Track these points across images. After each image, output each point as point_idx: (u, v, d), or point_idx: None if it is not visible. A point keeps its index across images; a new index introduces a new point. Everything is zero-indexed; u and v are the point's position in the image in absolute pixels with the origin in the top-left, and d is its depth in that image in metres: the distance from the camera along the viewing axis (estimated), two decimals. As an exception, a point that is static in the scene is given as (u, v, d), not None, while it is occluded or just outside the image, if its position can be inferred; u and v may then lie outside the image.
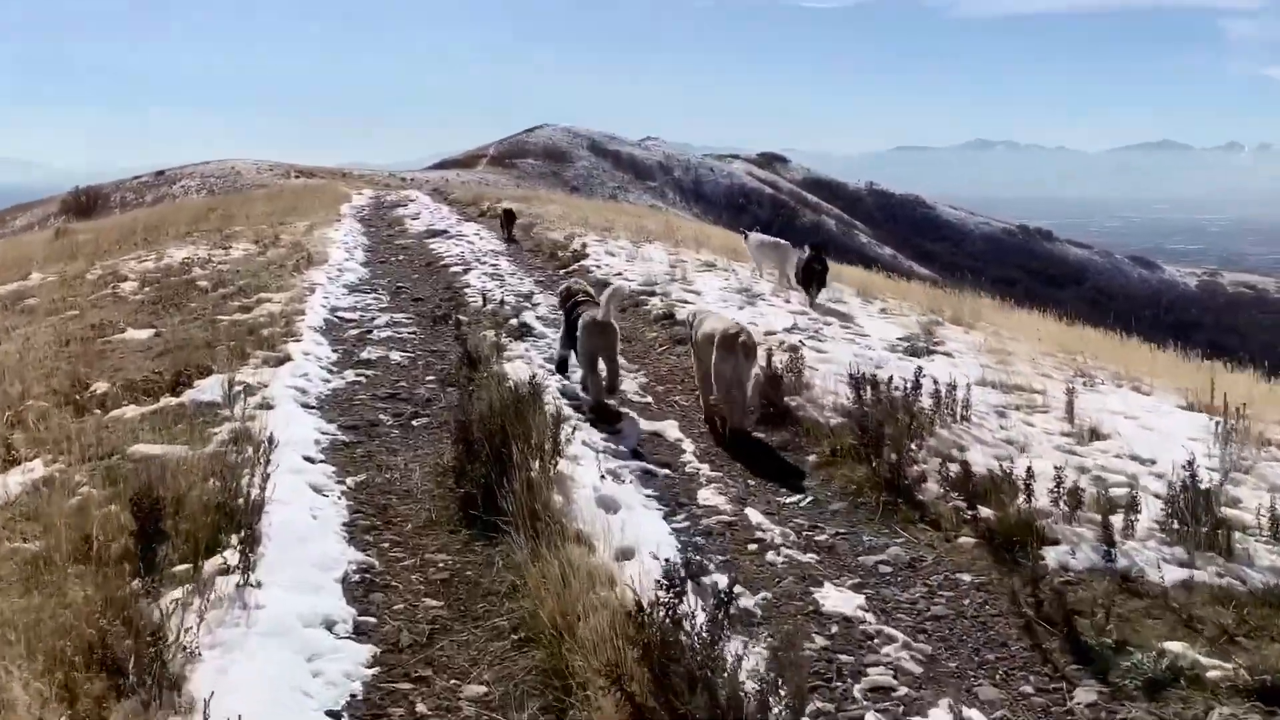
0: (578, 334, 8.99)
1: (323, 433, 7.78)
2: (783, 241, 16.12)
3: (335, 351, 10.64)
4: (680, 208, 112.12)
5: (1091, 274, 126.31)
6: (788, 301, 14.02)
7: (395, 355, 10.61)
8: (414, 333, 11.87)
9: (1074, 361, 11.23)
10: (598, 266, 16.40)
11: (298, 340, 10.62)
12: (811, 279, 14.02)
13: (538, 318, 12.45)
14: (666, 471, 7.29)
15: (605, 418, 8.55)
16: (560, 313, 9.97)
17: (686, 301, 13.07)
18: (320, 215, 25.60)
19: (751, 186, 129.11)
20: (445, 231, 21.99)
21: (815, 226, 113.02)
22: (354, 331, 11.75)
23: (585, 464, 6.87)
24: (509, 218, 22.00)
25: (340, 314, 12.65)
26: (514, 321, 12.08)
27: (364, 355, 10.51)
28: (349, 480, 6.86)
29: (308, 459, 7.06)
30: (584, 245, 18.53)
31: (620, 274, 15.43)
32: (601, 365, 8.89)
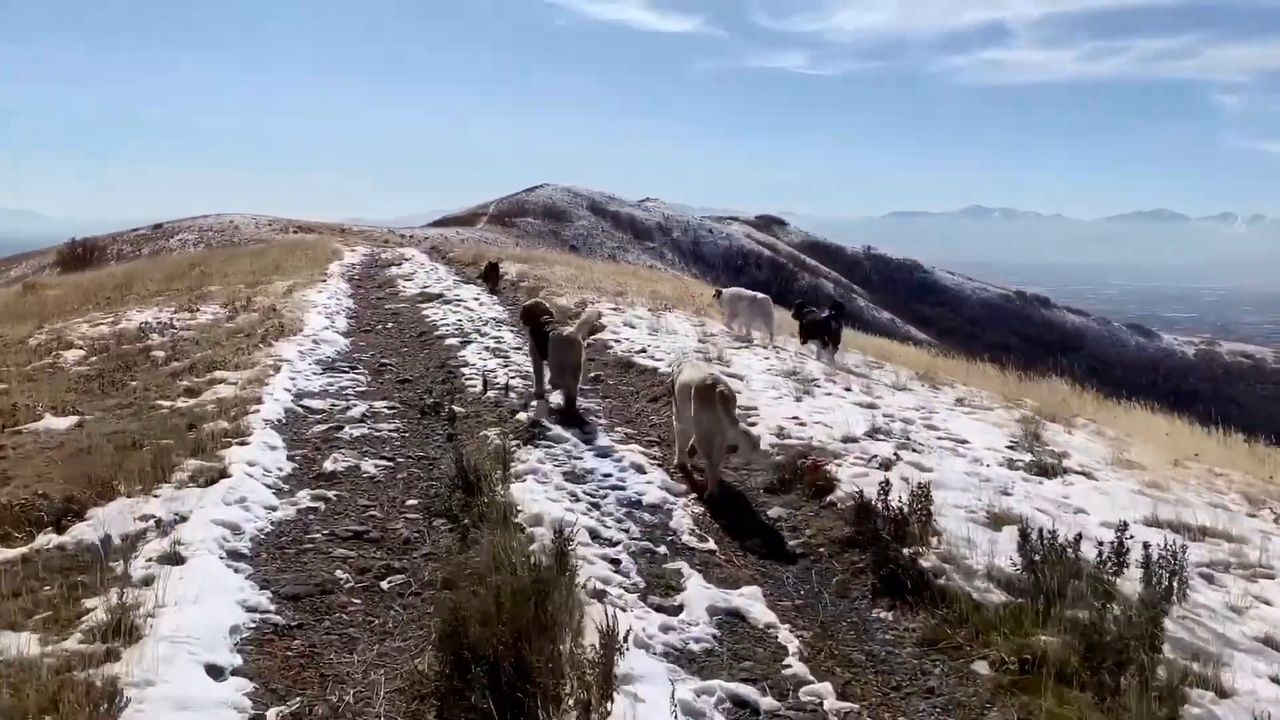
0: (549, 348, 10.07)
1: (248, 608, 5.19)
2: (760, 295, 15.72)
3: (291, 459, 8.08)
4: (679, 269, 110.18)
5: (1089, 341, 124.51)
6: (848, 390, 11.51)
7: (369, 465, 8.04)
8: (396, 429, 9.31)
9: (1241, 484, 8.69)
10: (616, 340, 13.91)
11: (244, 443, 8.07)
12: (824, 336, 14.01)
13: (552, 411, 9.91)
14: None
15: (573, 423, 9.40)
16: (526, 331, 11.30)
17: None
18: (305, 274, 23.16)
19: (750, 248, 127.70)
20: (441, 295, 19.53)
21: (814, 289, 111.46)
22: (320, 428, 9.19)
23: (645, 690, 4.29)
24: (492, 270, 21.38)
25: (307, 401, 10.09)
26: (522, 416, 9.52)
27: (328, 466, 7.92)
28: (271, 716, 4.26)
29: (213, 670, 4.47)
30: (598, 314, 16.05)
31: (644, 350, 12.95)
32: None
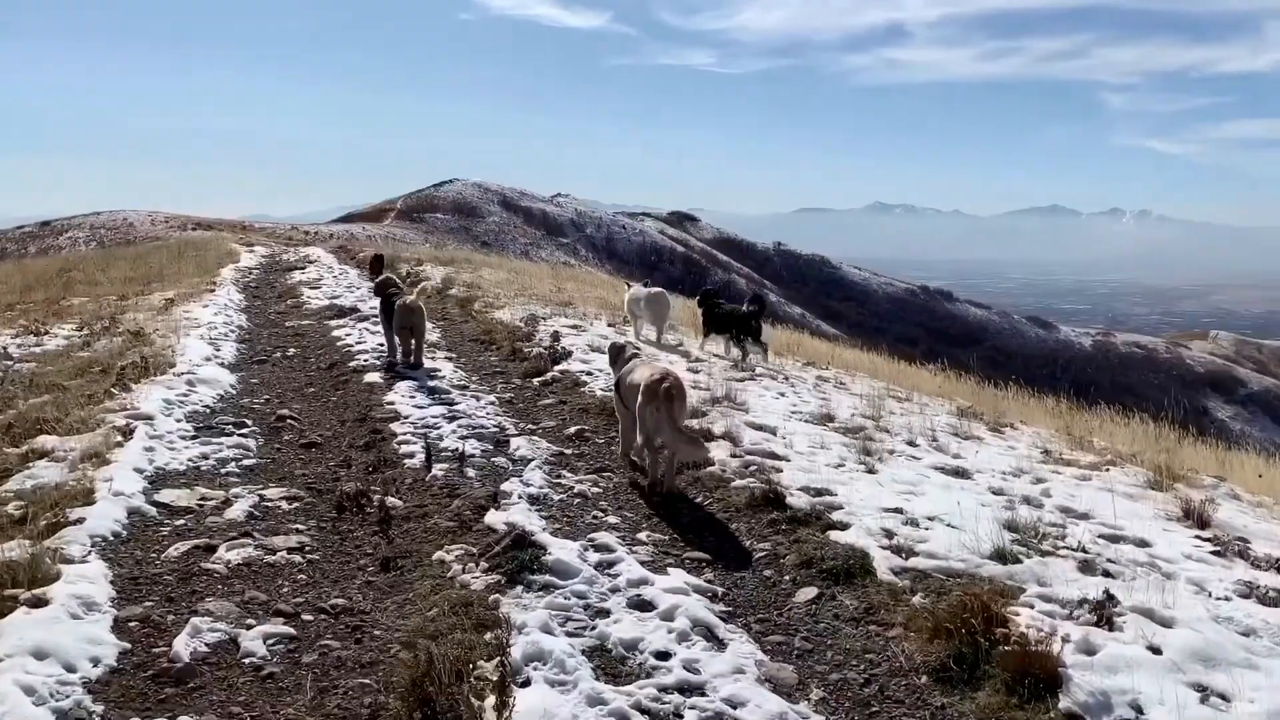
0: (394, 315, 11.29)
1: None
2: (654, 289, 14.04)
3: (120, 628, 4.64)
4: (593, 265, 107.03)
5: (991, 333, 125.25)
6: (912, 444, 8.47)
7: (252, 639, 4.62)
8: (299, 546, 5.89)
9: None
10: (589, 373, 10.65)
11: (39, 603, 4.63)
12: (741, 333, 12.40)
13: (534, 500, 6.62)
14: None
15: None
16: (377, 301, 12.30)
17: (773, 454, 7.47)
18: (192, 282, 19.29)
19: (664, 245, 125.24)
20: (355, 309, 15.96)
21: (727, 284, 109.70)
22: (180, 547, 5.71)
23: None
24: (377, 263, 18.04)
25: (166, 494, 6.58)
26: (498, 521, 6.11)
27: (180, 648, 4.47)
28: None
29: None
30: (555, 335, 12.77)
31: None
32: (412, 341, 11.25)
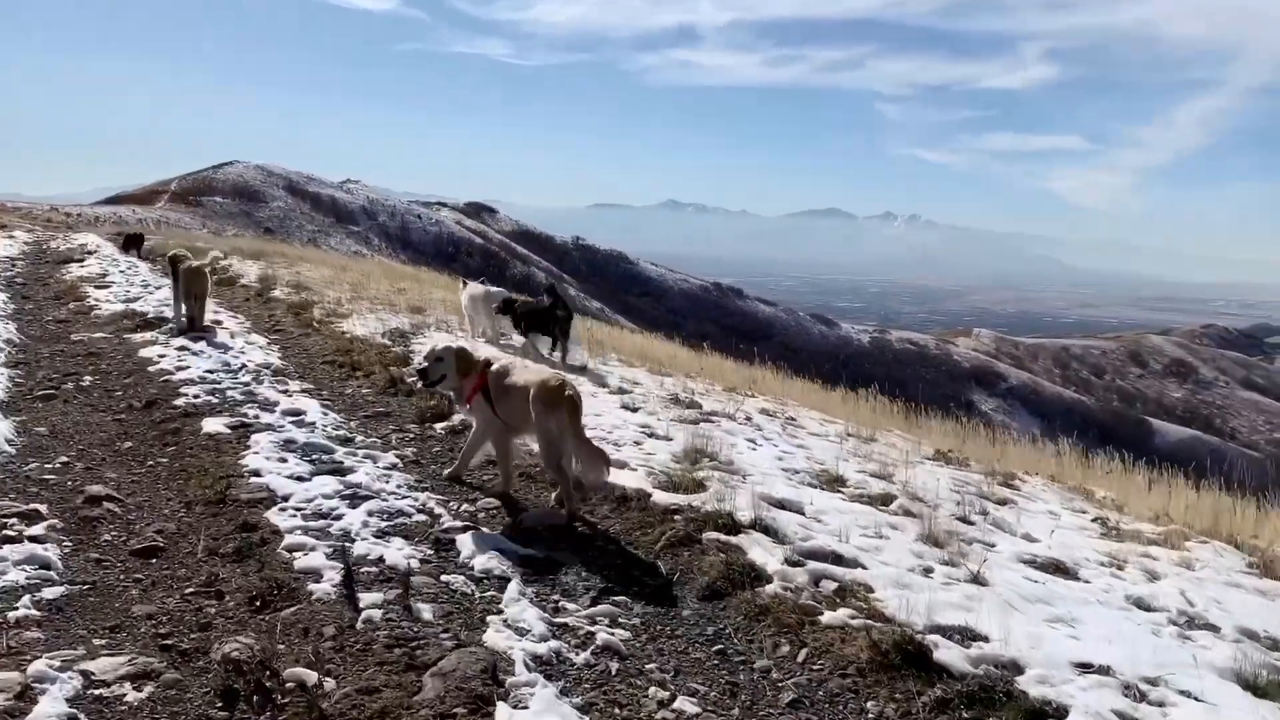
0: (179, 281, 12.02)
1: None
2: (493, 289, 12.89)
3: None
4: (387, 254, 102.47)
5: (778, 329, 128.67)
6: (967, 523, 6.55)
7: None
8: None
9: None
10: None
11: None
12: (554, 329, 11.56)
13: (547, 667, 4.18)
14: None
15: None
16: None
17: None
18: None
19: (461, 236, 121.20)
20: (162, 318, 12.60)
21: (526, 277, 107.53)
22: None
23: None
24: (136, 241, 18.80)
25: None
26: None
27: None
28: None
29: None
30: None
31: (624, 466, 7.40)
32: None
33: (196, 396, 8.55)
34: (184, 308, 11.99)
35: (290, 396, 8.72)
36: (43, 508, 5.80)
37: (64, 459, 6.82)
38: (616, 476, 6.37)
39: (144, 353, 10.42)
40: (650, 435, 7.95)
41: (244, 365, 9.84)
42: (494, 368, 6.41)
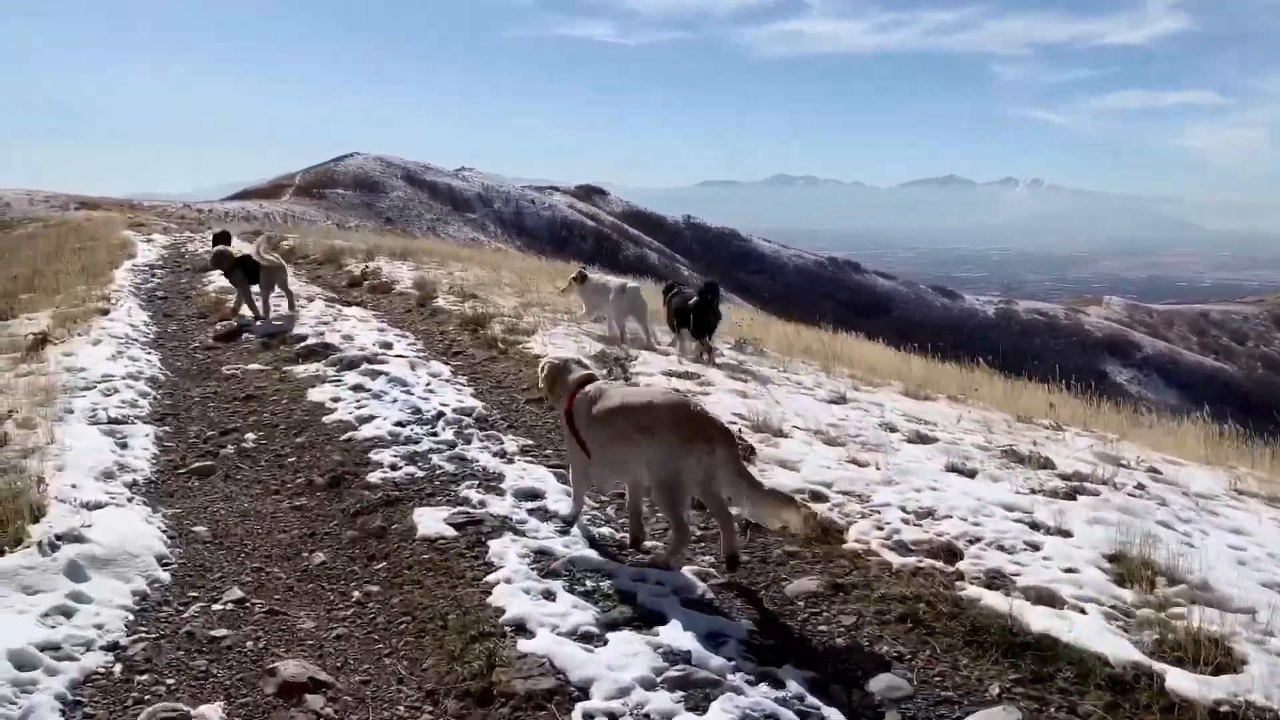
0: (262, 275, 12.16)
1: None
2: (630, 283, 11.85)
3: None
4: (503, 240, 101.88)
5: (898, 303, 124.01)
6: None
7: None
8: None
9: None
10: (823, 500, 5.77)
11: None
12: (704, 328, 10.30)
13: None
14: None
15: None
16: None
17: None
18: (78, 293, 13.51)
19: (574, 219, 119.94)
20: (326, 341, 10.50)
21: (639, 259, 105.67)
22: None
23: None
24: (224, 239, 16.63)
25: None
26: None
27: None
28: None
29: None
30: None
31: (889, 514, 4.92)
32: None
33: (394, 467, 6.36)
34: (259, 304, 12.10)
35: (512, 463, 6.46)
36: (217, 709, 3.62)
37: (237, 592, 4.68)
38: (1051, 624, 3.90)
39: (313, 395, 8.33)
40: (1031, 525, 5.43)
41: (439, 413, 7.63)
42: (588, 388, 5.18)
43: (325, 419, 7.61)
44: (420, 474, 6.26)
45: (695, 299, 10.47)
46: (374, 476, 6.22)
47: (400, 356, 9.60)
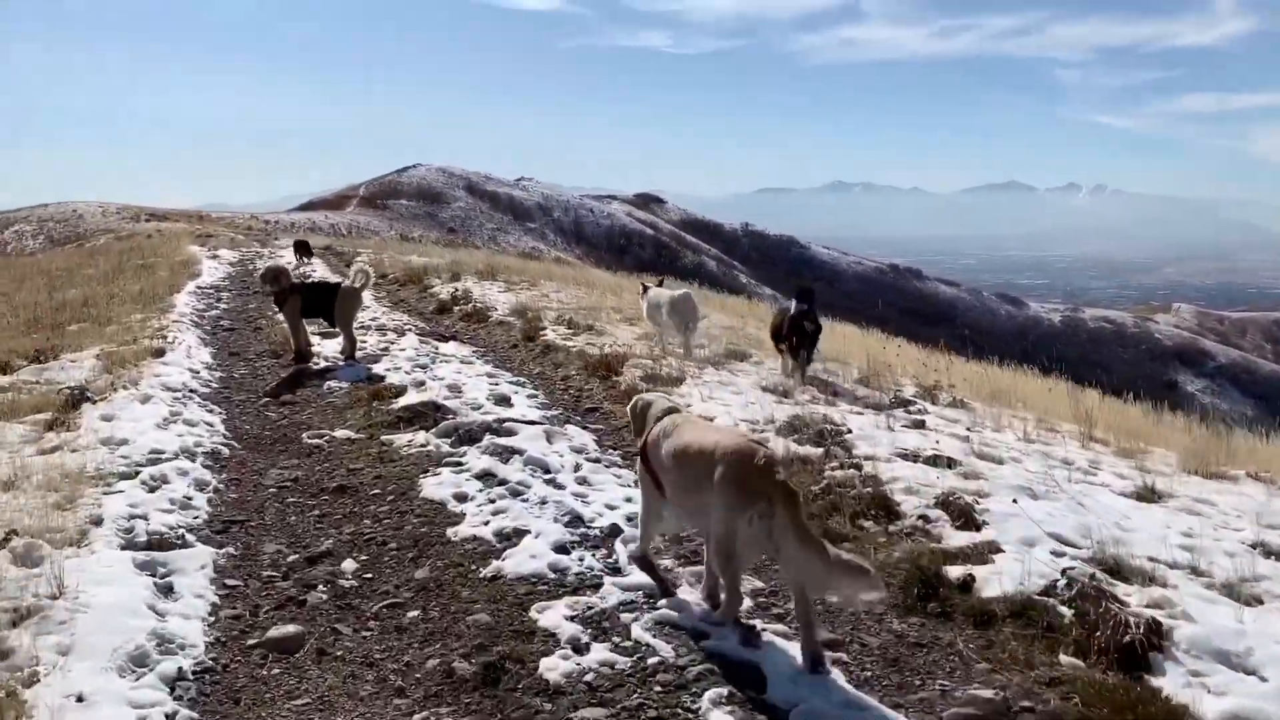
0: (337, 300, 9.87)
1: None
2: (679, 292, 10.83)
3: None
4: (562, 249, 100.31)
5: (961, 311, 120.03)
6: None
7: None
8: None
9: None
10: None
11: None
12: (801, 343, 9.05)
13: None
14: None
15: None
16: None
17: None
18: (132, 324, 11.39)
19: (633, 228, 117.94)
20: (436, 405, 8.11)
21: (698, 267, 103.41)
22: None
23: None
24: (304, 248, 17.93)
25: None
26: None
27: None
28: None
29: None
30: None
31: None
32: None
33: (578, 647, 3.97)
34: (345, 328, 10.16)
35: (756, 648, 4.02)
36: None
37: None
38: None
39: (428, 488, 5.94)
40: None
41: (612, 526, 5.24)
42: (663, 421, 4.52)
43: (451, 532, 5.25)
44: (624, 664, 3.85)
45: (792, 311, 9.27)
46: (551, 670, 3.82)
47: (529, 422, 7.18)
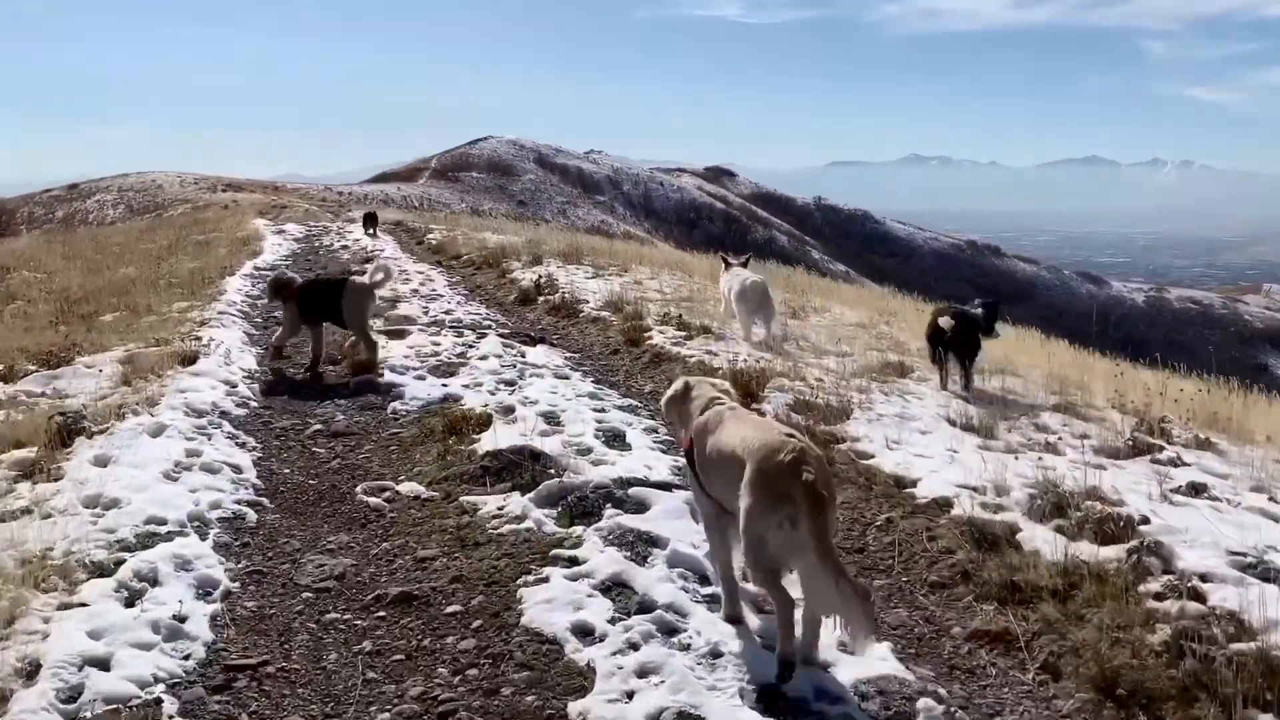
0: (344, 298, 8.11)
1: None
2: (751, 278, 9.40)
3: None
4: (630, 223, 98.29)
5: (1040, 289, 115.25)
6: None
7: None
8: None
9: None
10: None
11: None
12: (964, 353, 7.71)
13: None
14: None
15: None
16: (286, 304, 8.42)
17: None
18: (174, 314, 9.63)
19: (702, 201, 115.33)
20: (531, 447, 6.16)
21: (768, 241, 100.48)
22: None
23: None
24: (373, 220, 17.74)
25: None
26: None
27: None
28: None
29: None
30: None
31: None
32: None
33: None
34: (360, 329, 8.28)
35: None
36: None
37: None
38: None
39: (533, 608, 3.87)
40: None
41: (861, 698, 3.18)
42: (706, 415, 3.87)
43: (576, 710, 3.22)
44: None
45: (953, 322, 7.79)
46: None
47: (663, 486, 5.11)
